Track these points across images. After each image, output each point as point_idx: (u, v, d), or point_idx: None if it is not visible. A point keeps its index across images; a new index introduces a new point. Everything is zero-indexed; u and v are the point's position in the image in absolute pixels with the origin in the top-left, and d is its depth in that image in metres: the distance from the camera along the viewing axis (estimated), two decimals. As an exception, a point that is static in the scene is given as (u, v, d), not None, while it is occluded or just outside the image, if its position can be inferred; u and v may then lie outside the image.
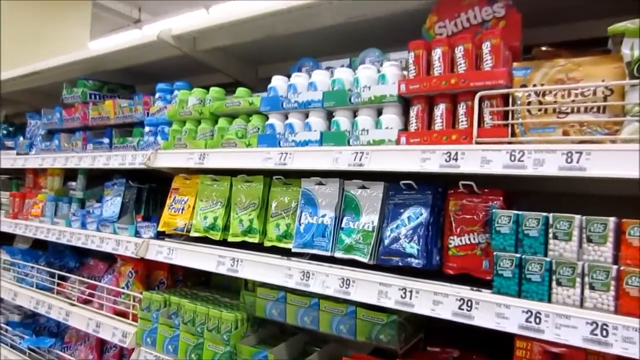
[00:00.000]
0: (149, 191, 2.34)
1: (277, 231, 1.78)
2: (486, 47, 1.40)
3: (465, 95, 1.41)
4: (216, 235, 1.91)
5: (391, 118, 1.55)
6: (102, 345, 2.40)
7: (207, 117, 2.01)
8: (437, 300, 1.33)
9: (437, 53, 1.47)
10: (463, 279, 1.38)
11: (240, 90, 2.04)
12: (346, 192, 1.66)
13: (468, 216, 1.41)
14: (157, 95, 2.32)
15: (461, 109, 1.42)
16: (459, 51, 1.44)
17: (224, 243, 1.90)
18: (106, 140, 2.44)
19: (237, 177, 1.92)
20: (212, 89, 2.10)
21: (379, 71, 1.64)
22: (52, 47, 5.72)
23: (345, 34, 1.98)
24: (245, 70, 2.56)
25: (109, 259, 2.58)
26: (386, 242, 1.50)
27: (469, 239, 1.39)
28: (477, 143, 1.34)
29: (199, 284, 2.38)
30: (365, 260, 1.51)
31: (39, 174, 2.96)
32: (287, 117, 1.80)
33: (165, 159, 2.07)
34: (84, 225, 2.47)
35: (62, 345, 2.53)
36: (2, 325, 2.89)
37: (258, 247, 1.82)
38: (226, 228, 1.93)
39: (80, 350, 2.43)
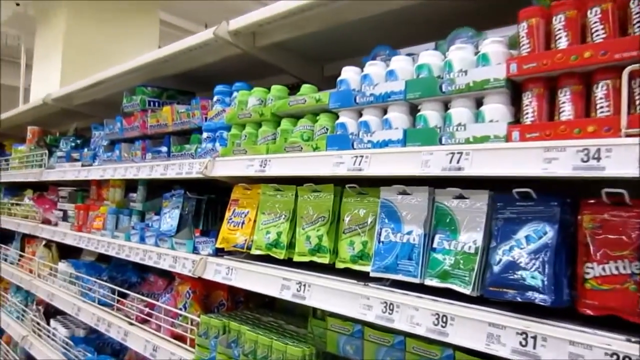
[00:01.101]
0: (208, 203, 2.13)
1: (351, 251, 1.48)
2: (635, 5, 1.03)
3: (605, 72, 1.05)
4: (280, 254, 1.65)
5: (496, 108, 1.21)
6: (160, 370, 2.22)
7: (269, 118, 1.77)
8: (576, 354, 0.96)
9: (559, 20, 1.12)
10: (608, 322, 1.01)
11: (305, 87, 1.78)
12: (438, 204, 1.33)
13: (613, 236, 1.03)
14: (215, 98, 2.11)
15: (599, 92, 1.05)
16: (594, 15, 1.08)
17: (288, 262, 1.64)
18: (164, 149, 2.27)
19: (304, 186, 1.65)
20: (273, 87, 1.86)
21: (476, 52, 1.31)
22: (119, 60, 5.80)
23: (422, 16, 1.67)
24: (309, 69, 2.30)
25: (169, 276, 2.41)
26: (496, 268, 1.15)
27: (617, 268, 1.01)
28: (627, 135, 0.97)
29: (262, 306, 2.13)
30: (466, 291, 1.18)
31: (101, 185, 2.88)
32: (360, 114, 1.51)
33: (224, 167, 1.85)
34: (142, 240, 2.31)
35: (122, 367, 2.38)
36: (68, 340, 2.80)
37: (328, 269, 1.54)
38: (291, 245, 1.66)
39: (139, 374, 2.27)
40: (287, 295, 1.53)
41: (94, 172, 2.70)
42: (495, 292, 1.14)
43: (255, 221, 1.77)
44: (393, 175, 1.33)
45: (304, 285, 1.49)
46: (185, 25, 9.78)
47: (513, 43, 1.27)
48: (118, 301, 2.45)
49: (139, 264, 2.81)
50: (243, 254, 1.85)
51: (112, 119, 2.77)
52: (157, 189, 2.67)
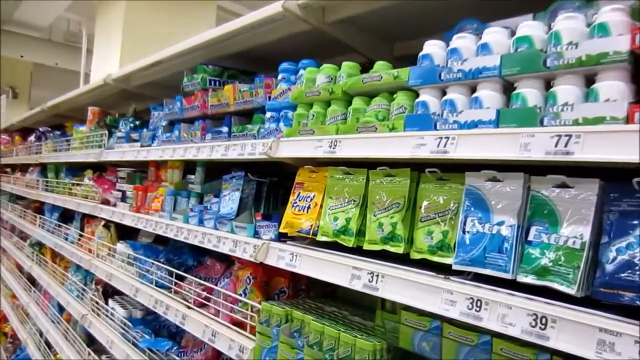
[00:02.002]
0: (270, 186, 2.06)
1: (429, 240, 1.37)
2: None
3: None
4: (348, 242, 1.56)
5: (614, 86, 1.06)
6: (218, 356, 2.19)
7: (340, 97, 1.66)
8: None
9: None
10: None
11: (379, 64, 1.66)
12: (534, 193, 1.19)
13: None
14: (280, 76, 2.03)
15: None
16: None
17: (357, 251, 1.55)
18: (225, 129, 2.22)
19: (377, 169, 1.54)
20: (344, 64, 1.75)
21: (588, 24, 1.16)
22: (177, 43, 5.84)
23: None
24: (379, 48, 2.18)
25: (227, 260, 2.37)
26: (609, 267, 1.01)
27: None
28: None
29: (323, 296, 2.05)
30: (570, 291, 1.05)
31: (160, 166, 2.87)
32: (444, 93, 1.38)
33: (289, 148, 1.76)
34: (201, 222, 2.27)
35: (179, 350, 2.36)
36: (126, 321, 2.84)
37: (401, 259, 1.43)
38: (360, 233, 1.57)
39: (196, 358, 2.24)
40: (357, 286, 1.43)
41: (153, 153, 2.69)
42: (608, 293, 1.00)
43: (321, 206, 1.68)
44: (483, 158, 1.20)
45: (377, 276, 1.39)
46: (238, 9, 9.80)
47: (634, 14, 1.11)
48: (176, 284, 2.44)
49: (195, 247, 2.81)
50: (306, 239, 1.78)
51: (171, 99, 2.75)
52: (215, 171, 2.64)
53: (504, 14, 1.58)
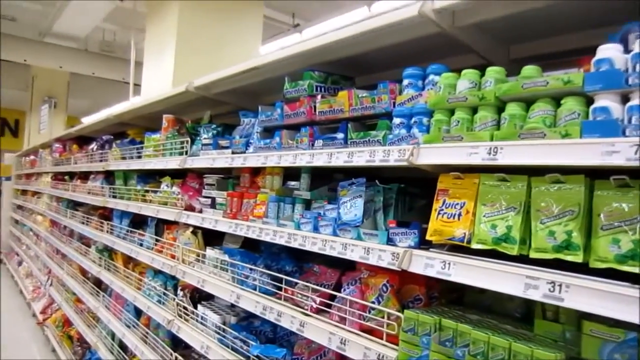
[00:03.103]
0: (398, 193, 2.04)
1: (616, 249, 1.33)
2: None
3: None
4: (511, 250, 1.53)
5: None
6: (342, 362, 2.18)
7: (491, 102, 1.64)
8: None
9: None
10: None
11: (491, 70, 1.67)
12: None
13: None
14: (405, 81, 2.01)
15: None
16: None
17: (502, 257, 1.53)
18: (340, 136, 2.21)
19: (545, 176, 1.51)
20: (490, 69, 1.73)
21: None
22: (228, 53, 5.92)
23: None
24: (496, 51, 2.15)
25: (339, 267, 2.36)
26: None
27: None
28: None
29: (452, 302, 2.03)
30: None
31: (256, 173, 2.88)
32: (627, 99, 1.35)
33: (434, 155, 1.74)
34: (315, 229, 2.27)
35: (292, 357, 2.37)
36: (224, 327, 2.85)
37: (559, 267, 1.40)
38: (523, 240, 1.54)
39: (318, 365, 2.24)
40: (535, 295, 1.41)
41: (252, 160, 2.70)
42: None
43: (474, 213, 1.66)
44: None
45: (559, 286, 1.36)
46: (272, 14, 9.84)
47: None
48: (285, 290, 2.44)
49: (293, 253, 2.82)
50: (445, 246, 1.76)
51: (268, 106, 2.76)
52: (316, 177, 2.64)
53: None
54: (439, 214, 1.75)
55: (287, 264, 2.74)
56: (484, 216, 1.63)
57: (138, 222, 4.46)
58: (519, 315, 1.87)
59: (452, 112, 1.77)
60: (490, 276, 1.53)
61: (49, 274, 7.45)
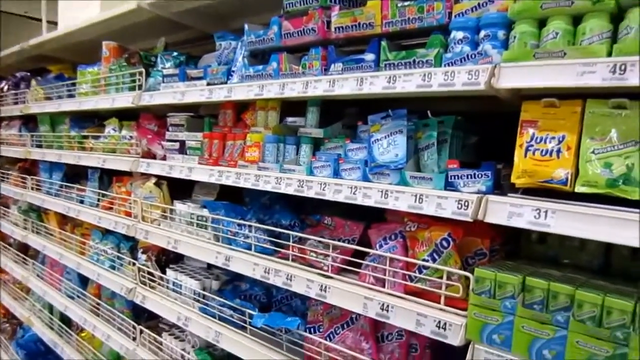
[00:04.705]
0: (454, 127, 1.66)
1: None
2: None
3: None
4: (632, 193, 1.23)
5: None
6: (376, 329, 1.84)
7: (610, 7, 1.28)
8: None
9: None
10: None
11: None
12: None
13: None
14: (464, -15, 1.59)
15: None
16: None
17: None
18: (370, 57, 1.76)
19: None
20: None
21: None
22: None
23: None
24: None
25: (363, 219, 1.98)
26: None
27: None
28: None
29: (510, 255, 1.74)
30: None
31: (242, 109, 2.36)
32: None
33: (522, 76, 1.36)
34: (336, 174, 1.86)
35: (307, 327, 2.00)
36: (205, 293, 2.40)
37: None
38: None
39: (344, 335, 1.88)
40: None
41: (240, 91, 2.17)
42: None
43: (577, 149, 1.33)
44: None
45: None
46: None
47: None
48: (291, 248, 2.03)
49: (290, 204, 2.39)
50: (519, 190, 1.43)
51: (256, 25, 2.22)
52: (323, 113, 2.18)
53: None
54: (527, 150, 1.40)
55: (282, 217, 2.31)
56: (593, 152, 1.30)
57: (72, 175, 3.76)
58: (597, 267, 1.61)
59: (541, 23, 1.40)
60: (609, 226, 1.22)
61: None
